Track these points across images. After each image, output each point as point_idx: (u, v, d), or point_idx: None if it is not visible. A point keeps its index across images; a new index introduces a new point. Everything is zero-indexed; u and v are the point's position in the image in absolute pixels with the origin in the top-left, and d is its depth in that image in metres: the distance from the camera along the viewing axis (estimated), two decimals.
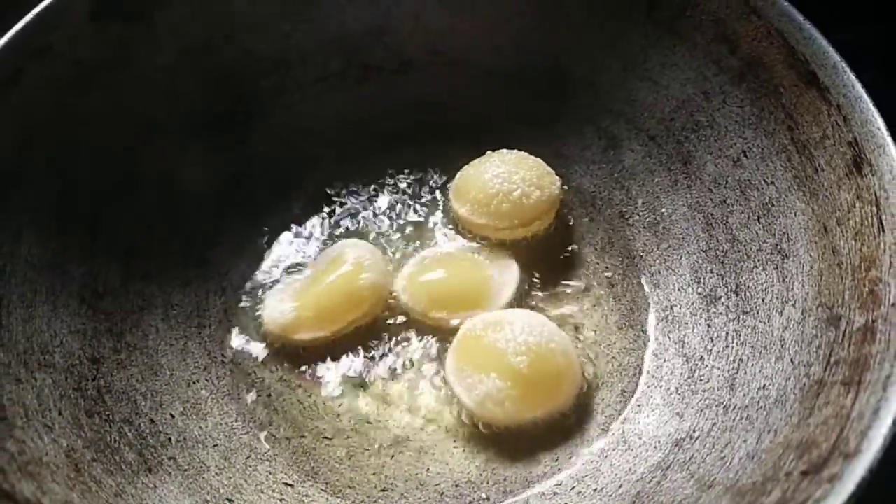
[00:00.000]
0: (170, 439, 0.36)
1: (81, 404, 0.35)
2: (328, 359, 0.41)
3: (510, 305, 0.41)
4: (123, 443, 0.35)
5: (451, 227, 0.45)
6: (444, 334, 0.41)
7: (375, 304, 0.41)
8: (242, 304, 0.42)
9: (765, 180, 0.39)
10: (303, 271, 0.43)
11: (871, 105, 0.35)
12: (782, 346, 0.35)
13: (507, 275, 0.42)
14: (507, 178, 0.43)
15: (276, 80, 0.46)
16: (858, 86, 0.36)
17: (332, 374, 0.40)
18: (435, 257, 0.44)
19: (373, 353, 0.41)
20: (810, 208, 0.37)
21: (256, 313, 0.42)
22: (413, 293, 0.42)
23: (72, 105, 0.40)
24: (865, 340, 0.31)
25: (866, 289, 0.33)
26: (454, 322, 0.41)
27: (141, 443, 0.35)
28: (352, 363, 0.41)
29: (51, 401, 0.34)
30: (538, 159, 0.44)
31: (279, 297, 0.42)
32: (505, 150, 0.44)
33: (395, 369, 0.40)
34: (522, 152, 0.44)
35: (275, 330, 0.41)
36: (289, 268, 0.44)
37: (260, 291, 0.43)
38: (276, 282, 0.43)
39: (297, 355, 0.41)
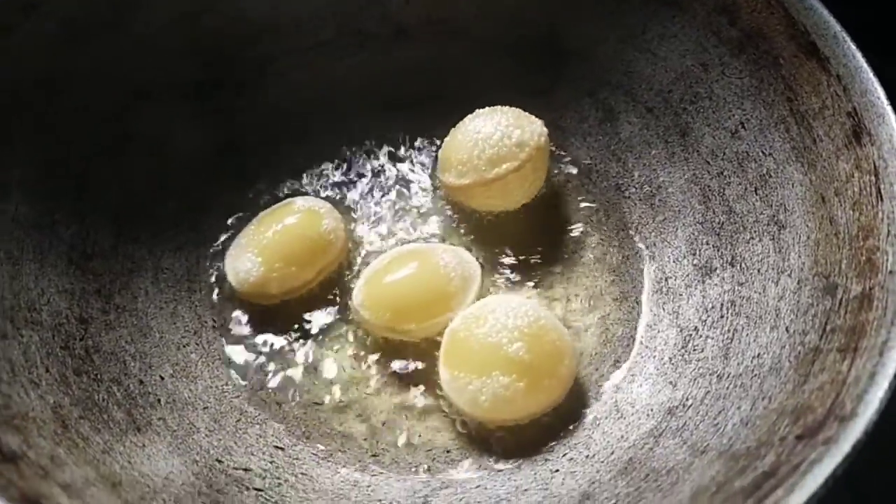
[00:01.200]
0: (159, 400, 0.36)
1: (69, 363, 0.34)
2: (320, 325, 0.40)
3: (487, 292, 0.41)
4: (112, 402, 0.34)
5: (442, 202, 0.44)
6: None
7: (341, 250, 0.41)
8: None
9: (763, 152, 0.39)
10: (251, 221, 0.42)
11: (871, 75, 0.35)
12: (777, 315, 0.35)
13: (470, 269, 0.40)
14: (482, 128, 0.41)
15: (268, 47, 0.45)
16: (859, 56, 0.36)
17: (325, 338, 0.40)
18: (386, 263, 0.40)
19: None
20: (808, 179, 0.36)
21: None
22: (373, 307, 0.38)
23: (61, 64, 0.39)
24: (862, 308, 0.31)
25: (864, 257, 0.33)
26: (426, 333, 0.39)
27: (130, 403, 0.35)
28: (346, 331, 0.40)
29: (37, 358, 0.33)
30: (515, 108, 0.42)
31: (239, 255, 0.40)
32: (478, 110, 0.43)
33: (389, 339, 0.40)
34: (497, 106, 0.43)
35: (244, 288, 0.40)
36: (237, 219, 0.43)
37: None
38: None
39: (288, 321, 0.40)
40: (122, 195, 0.41)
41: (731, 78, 0.40)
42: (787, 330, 0.34)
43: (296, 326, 0.40)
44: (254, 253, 0.40)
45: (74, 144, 0.40)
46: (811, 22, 0.37)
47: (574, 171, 0.45)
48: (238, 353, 0.39)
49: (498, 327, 0.36)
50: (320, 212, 0.41)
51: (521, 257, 0.42)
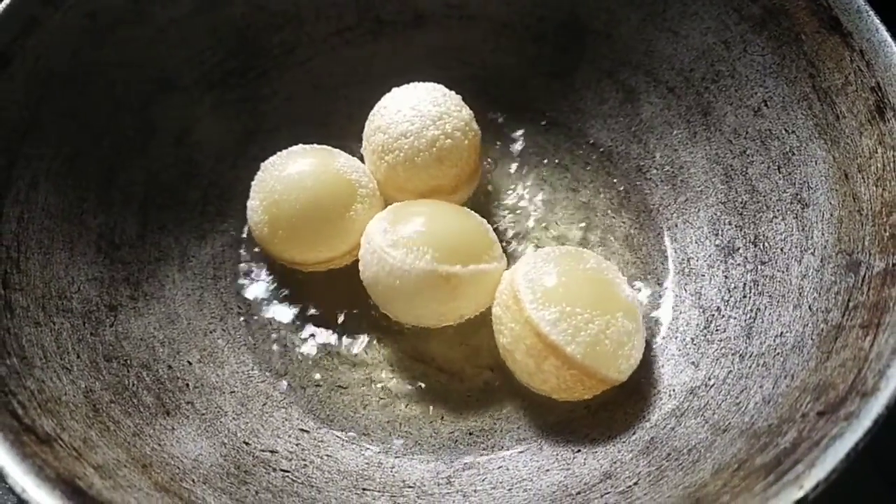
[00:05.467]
0: (187, 385, 0.37)
1: (99, 348, 0.35)
2: (343, 308, 0.41)
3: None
4: (141, 386, 0.35)
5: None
6: None
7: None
8: (256, 257, 0.42)
9: (785, 129, 0.38)
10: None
11: (895, 49, 0.34)
12: (800, 293, 0.35)
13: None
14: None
15: (289, 35, 0.46)
16: (883, 30, 0.35)
17: (347, 323, 0.40)
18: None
19: None
20: (831, 156, 0.36)
21: (268, 267, 0.42)
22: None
23: (87, 56, 0.40)
24: (885, 284, 0.31)
25: (887, 233, 0.32)
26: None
27: (159, 387, 0.36)
28: (369, 313, 0.40)
29: (69, 344, 0.34)
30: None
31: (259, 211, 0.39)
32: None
33: (409, 325, 0.40)
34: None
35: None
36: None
37: None
38: None
39: (316, 306, 0.41)
40: (149, 184, 0.41)
41: (752, 55, 0.40)
42: (809, 308, 0.34)
43: (318, 311, 0.41)
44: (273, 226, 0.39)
45: (101, 135, 0.40)
46: None
47: (595, 153, 0.45)
48: (263, 338, 0.40)
49: (592, 272, 0.36)
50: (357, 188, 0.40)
51: (541, 240, 0.42)
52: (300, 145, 0.41)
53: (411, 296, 0.36)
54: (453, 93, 0.42)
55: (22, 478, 0.27)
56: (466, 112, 0.41)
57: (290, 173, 0.39)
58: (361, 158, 0.42)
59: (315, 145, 0.42)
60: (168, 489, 0.30)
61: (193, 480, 0.32)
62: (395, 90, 0.42)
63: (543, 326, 0.33)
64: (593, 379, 0.34)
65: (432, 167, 0.40)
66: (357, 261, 0.39)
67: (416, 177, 0.40)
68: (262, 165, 0.41)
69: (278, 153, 0.41)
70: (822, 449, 0.26)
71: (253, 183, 0.41)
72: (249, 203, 0.40)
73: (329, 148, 0.42)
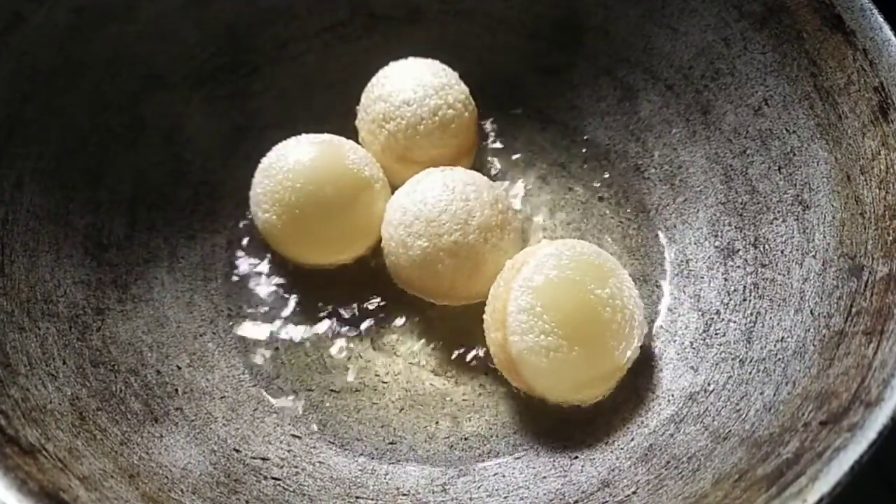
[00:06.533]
0: (176, 390, 0.36)
1: (86, 354, 0.34)
2: (336, 311, 0.40)
3: None
4: (129, 393, 0.34)
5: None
6: None
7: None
8: (248, 257, 0.42)
9: (786, 129, 0.38)
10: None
11: None
12: (802, 297, 0.34)
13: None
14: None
15: (280, 30, 0.45)
16: (886, 28, 0.35)
17: (340, 327, 0.40)
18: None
19: (383, 303, 0.40)
20: (833, 157, 0.35)
21: (259, 268, 0.41)
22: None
23: (73, 52, 0.39)
24: (889, 289, 0.30)
25: (890, 237, 0.32)
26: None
27: (147, 393, 0.35)
28: (361, 316, 0.40)
29: (55, 349, 0.33)
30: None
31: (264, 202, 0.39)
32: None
33: (404, 323, 0.39)
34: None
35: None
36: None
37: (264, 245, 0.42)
38: None
39: (305, 309, 0.40)
40: (137, 184, 0.41)
41: (753, 53, 0.39)
42: (811, 313, 0.33)
43: (310, 313, 0.40)
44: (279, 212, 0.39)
45: (88, 133, 0.39)
46: None
47: (591, 151, 0.44)
48: (253, 342, 0.39)
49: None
50: (374, 185, 0.40)
51: (535, 239, 0.42)
52: (304, 135, 0.41)
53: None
54: (450, 69, 0.42)
55: (3, 493, 0.26)
56: (464, 87, 0.42)
57: (304, 171, 0.38)
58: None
59: (319, 136, 0.41)
60: (156, 500, 0.30)
61: (182, 490, 0.31)
62: (392, 63, 0.42)
63: (510, 303, 0.34)
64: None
65: (434, 135, 0.39)
66: (355, 260, 0.39)
67: (417, 145, 0.40)
68: (267, 160, 0.39)
69: (282, 143, 0.40)
70: (825, 461, 0.26)
71: (257, 179, 0.39)
72: (254, 200, 0.39)
73: (333, 137, 0.41)
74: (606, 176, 0.44)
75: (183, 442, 0.34)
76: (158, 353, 0.37)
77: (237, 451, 0.35)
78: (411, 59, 0.42)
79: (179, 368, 0.37)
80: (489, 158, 0.45)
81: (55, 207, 0.37)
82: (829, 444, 0.26)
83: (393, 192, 0.40)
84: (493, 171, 0.44)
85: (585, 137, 0.45)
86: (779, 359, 0.33)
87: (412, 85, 0.40)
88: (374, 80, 0.42)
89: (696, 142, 0.41)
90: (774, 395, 0.31)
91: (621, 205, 0.43)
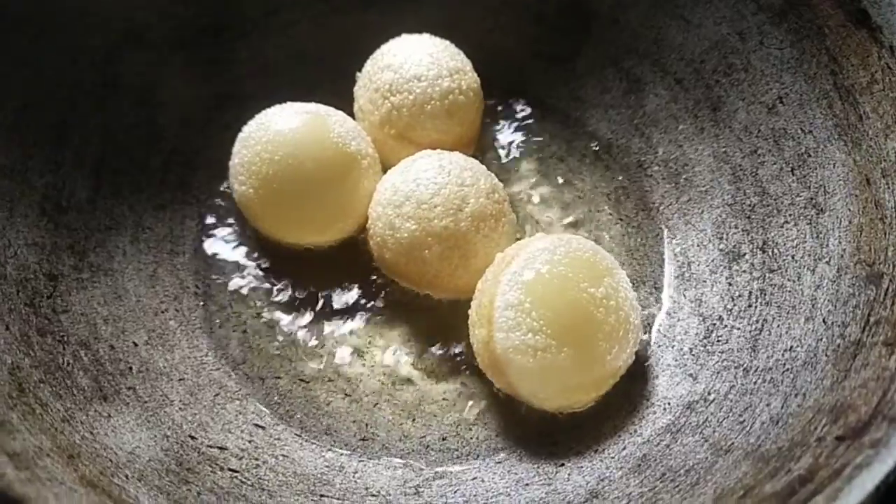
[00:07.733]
0: (130, 368, 0.33)
1: (33, 321, 0.32)
2: (314, 296, 0.37)
3: None
4: (77, 367, 0.32)
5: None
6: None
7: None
8: (221, 233, 0.39)
9: (802, 129, 0.36)
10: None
11: None
12: (813, 305, 0.32)
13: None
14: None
15: None
16: None
17: (316, 312, 0.37)
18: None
19: (364, 290, 0.38)
20: (852, 159, 0.33)
21: (233, 245, 0.39)
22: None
23: (45, 2, 0.36)
24: None
25: None
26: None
27: (97, 369, 0.32)
28: (339, 302, 0.37)
29: None
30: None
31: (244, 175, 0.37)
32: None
33: (385, 314, 0.37)
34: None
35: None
36: None
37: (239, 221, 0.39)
38: None
39: (280, 291, 0.37)
40: (105, 145, 0.38)
41: (770, 48, 0.37)
42: (824, 321, 0.31)
43: (284, 296, 0.38)
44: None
45: (55, 88, 0.37)
46: None
47: (593, 145, 0.42)
48: (220, 323, 0.36)
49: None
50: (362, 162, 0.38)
51: (529, 232, 0.39)
52: (290, 104, 0.38)
53: None
54: (464, 55, 0.40)
55: None
56: (476, 76, 0.40)
57: (284, 142, 0.36)
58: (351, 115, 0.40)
59: (305, 105, 0.38)
60: (95, 484, 0.27)
61: (127, 476, 0.28)
62: (405, 35, 0.40)
63: (498, 298, 0.32)
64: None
65: (440, 119, 0.38)
66: (339, 242, 0.37)
67: (420, 125, 0.38)
68: (248, 129, 0.37)
69: (266, 111, 0.38)
70: (845, 479, 0.23)
71: (236, 148, 0.37)
72: (232, 171, 0.37)
73: (320, 107, 0.38)
74: (607, 171, 0.41)
75: (133, 424, 0.31)
76: (114, 328, 0.34)
77: (193, 437, 0.32)
78: (427, 35, 0.40)
79: (136, 345, 0.34)
80: (487, 146, 0.42)
81: (12, 163, 0.35)
82: (849, 460, 0.24)
83: (384, 173, 0.37)
84: (490, 161, 0.42)
85: (587, 130, 0.42)
86: (787, 369, 0.31)
87: (427, 61, 0.38)
88: (384, 47, 0.40)
89: (704, 139, 0.39)
90: (783, 407, 0.29)
91: (621, 202, 0.41)
